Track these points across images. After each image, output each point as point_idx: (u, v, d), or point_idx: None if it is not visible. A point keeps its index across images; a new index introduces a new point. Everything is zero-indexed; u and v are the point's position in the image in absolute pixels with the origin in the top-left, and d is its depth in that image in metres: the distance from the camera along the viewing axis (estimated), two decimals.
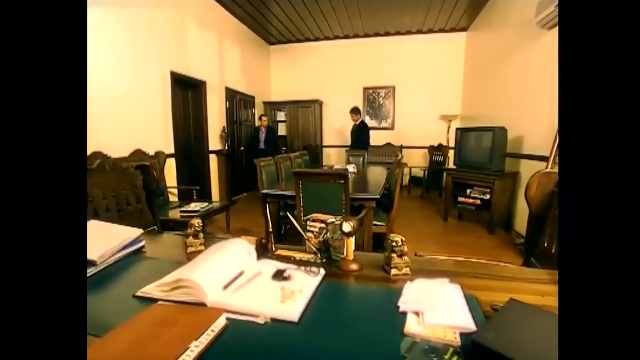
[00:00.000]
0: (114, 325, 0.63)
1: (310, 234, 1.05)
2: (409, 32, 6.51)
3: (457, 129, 4.18)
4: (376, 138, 6.99)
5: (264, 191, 2.66)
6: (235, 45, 5.82)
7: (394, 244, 0.91)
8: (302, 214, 2.17)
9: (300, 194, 2.14)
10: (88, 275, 0.89)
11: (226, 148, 5.32)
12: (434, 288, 0.76)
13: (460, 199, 4.00)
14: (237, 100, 5.86)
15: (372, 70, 6.91)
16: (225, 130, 5.35)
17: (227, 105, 5.48)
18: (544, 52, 3.17)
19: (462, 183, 3.99)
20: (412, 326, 0.64)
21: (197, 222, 1.08)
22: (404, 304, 0.71)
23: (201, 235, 1.09)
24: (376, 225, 2.50)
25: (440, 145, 6.16)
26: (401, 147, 6.71)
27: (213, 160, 5.08)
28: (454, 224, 4.17)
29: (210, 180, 4.96)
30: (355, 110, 5.58)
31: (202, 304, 0.69)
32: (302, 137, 7.03)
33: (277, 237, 2.87)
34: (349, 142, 7.08)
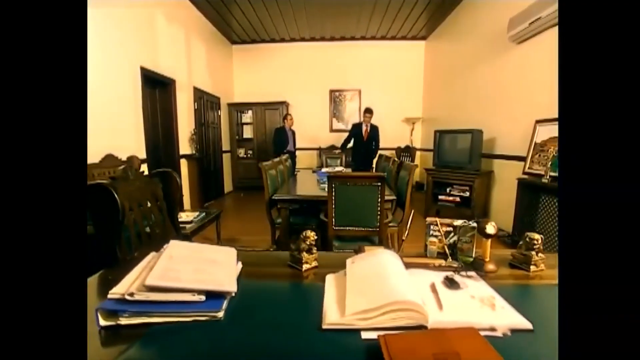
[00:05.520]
0: None
1: (433, 239, 1.02)
2: (373, 38, 6.76)
3: (435, 131, 4.45)
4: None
5: (276, 196, 2.52)
6: (201, 43, 5.42)
7: (534, 242, 0.93)
8: (333, 218, 2.11)
9: (333, 198, 2.06)
10: (222, 310, 0.72)
11: (195, 152, 4.92)
12: None
13: (441, 197, 4.27)
14: (204, 101, 5.45)
15: (338, 73, 7.01)
16: (195, 133, 4.94)
17: (196, 107, 5.07)
18: (513, 63, 3.56)
19: (443, 182, 4.26)
20: None
21: (312, 234, 0.97)
22: None
23: (315, 249, 0.99)
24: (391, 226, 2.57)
25: (407, 146, 6.50)
26: None
27: (183, 165, 4.64)
28: None
29: (182, 187, 4.51)
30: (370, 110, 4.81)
31: (420, 327, 0.62)
32: (269, 140, 6.82)
33: (287, 244, 2.74)
34: (317, 145, 7.10)
